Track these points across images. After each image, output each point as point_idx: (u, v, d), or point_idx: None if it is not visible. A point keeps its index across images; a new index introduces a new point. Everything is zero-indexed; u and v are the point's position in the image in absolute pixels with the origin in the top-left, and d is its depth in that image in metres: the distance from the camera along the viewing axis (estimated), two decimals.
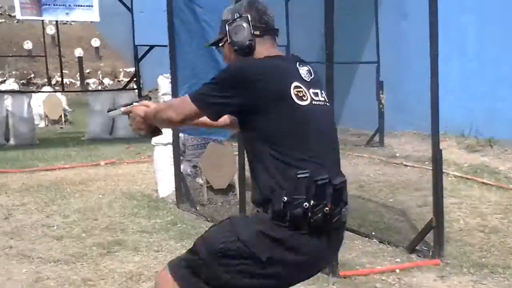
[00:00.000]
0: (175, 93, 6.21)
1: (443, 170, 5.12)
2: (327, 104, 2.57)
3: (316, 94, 2.51)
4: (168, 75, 7.05)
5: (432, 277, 4.40)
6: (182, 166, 6.46)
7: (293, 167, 2.37)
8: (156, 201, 6.51)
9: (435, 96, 4.58)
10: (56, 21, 12.11)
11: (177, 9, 6.05)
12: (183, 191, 6.29)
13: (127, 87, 12.45)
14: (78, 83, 17.69)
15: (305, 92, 2.46)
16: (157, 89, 16.61)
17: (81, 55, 17.54)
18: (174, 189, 6.36)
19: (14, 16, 13.48)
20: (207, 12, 6.05)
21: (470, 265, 4.58)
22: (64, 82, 13.75)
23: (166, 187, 6.58)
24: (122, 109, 2.83)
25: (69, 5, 10.74)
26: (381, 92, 10.02)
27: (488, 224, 5.57)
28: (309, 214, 2.33)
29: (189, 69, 6.14)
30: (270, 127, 2.42)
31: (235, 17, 2.59)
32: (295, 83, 2.45)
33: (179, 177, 6.31)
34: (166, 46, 6.34)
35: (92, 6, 10.88)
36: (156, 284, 2.61)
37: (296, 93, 2.43)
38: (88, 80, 18.00)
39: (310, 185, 2.34)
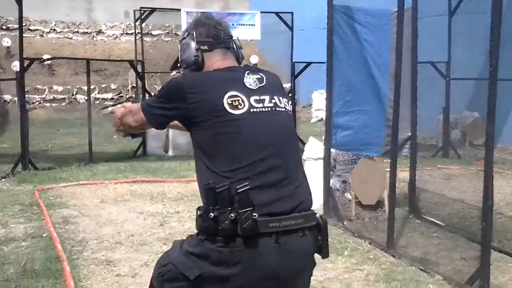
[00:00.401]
0: (329, 109, 6.22)
1: None
2: (278, 109, 2.53)
3: (260, 101, 2.49)
4: (323, 91, 7.07)
5: None
6: (331, 181, 6.43)
7: (219, 177, 2.37)
8: None
9: None
10: None
11: (337, 27, 6.10)
12: (331, 205, 6.25)
13: None
14: None
15: (243, 101, 2.45)
16: (311, 104, 16.77)
17: None
18: (322, 204, 6.33)
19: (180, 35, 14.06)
20: (367, 30, 6.05)
21: None
22: None
23: (314, 201, 6.50)
24: (109, 108, 2.95)
25: (233, 24, 11.06)
26: None
27: None
28: (218, 223, 2.32)
29: (345, 86, 6.17)
30: (203, 137, 2.46)
31: (184, 36, 2.68)
32: (231, 93, 2.45)
33: (328, 191, 6.28)
34: (323, 63, 6.36)
35: (254, 25, 11.15)
36: None
37: (230, 102, 2.43)
38: None
39: (215, 195, 2.34)
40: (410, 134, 6.56)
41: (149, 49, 19.02)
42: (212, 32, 2.64)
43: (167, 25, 20.22)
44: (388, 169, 5.54)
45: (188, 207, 6.83)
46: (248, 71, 2.56)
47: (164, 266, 2.51)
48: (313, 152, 6.81)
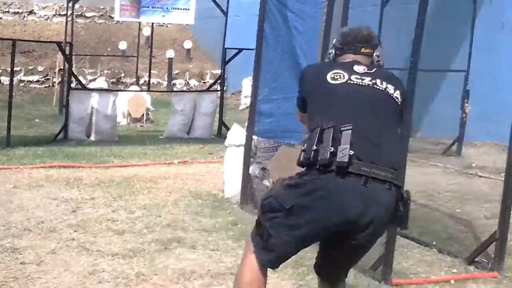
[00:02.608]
0: (254, 96, 6.17)
1: None
2: (376, 86, 2.95)
3: (360, 78, 2.96)
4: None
5: None
6: (251, 168, 6.36)
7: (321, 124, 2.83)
8: (221, 201, 6.48)
9: None
10: (152, 23, 12.31)
11: (269, 13, 6.03)
12: (249, 192, 6.19)
13: (210, 89, 12.47)
14: (165, 83, 17.92)
15: (343, 75, 2.97)
16: (240, 91, 16.70)
17: (172, 57, 17.79)
18: (240, 190, 6.27)
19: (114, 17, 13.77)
20: (298, 18, 5.99)
21: None
22: (152, 82, 13.94)
23: (233, 187, 6.51)
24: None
25: (167, 8, 10.85)
26: (466, 101, 9.79)
27: None
28: (317, 156, 2.73)
29: (271, 73, 6.13)
30: (310, 101, 3.05)
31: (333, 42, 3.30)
32: (336, 70, 3.01)
33: (247, 178, 6.21)
34: (253, 49, 6.28)
35: (188, 9, 10.94)
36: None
37: (332, 76, 2.98)
38: (175, 81, 18.23)
39: (319, 133, 2.78)
40: None
41: (81, 31, 18.60)
42: (346, 40, 3.19)
43: (101, 7, 19.84)
44: None
45: (104, 193, 6.64)
46: (364, 67, 3.04)
47: (266, 199, 2.92)
48: (235, 139, 6.74)
